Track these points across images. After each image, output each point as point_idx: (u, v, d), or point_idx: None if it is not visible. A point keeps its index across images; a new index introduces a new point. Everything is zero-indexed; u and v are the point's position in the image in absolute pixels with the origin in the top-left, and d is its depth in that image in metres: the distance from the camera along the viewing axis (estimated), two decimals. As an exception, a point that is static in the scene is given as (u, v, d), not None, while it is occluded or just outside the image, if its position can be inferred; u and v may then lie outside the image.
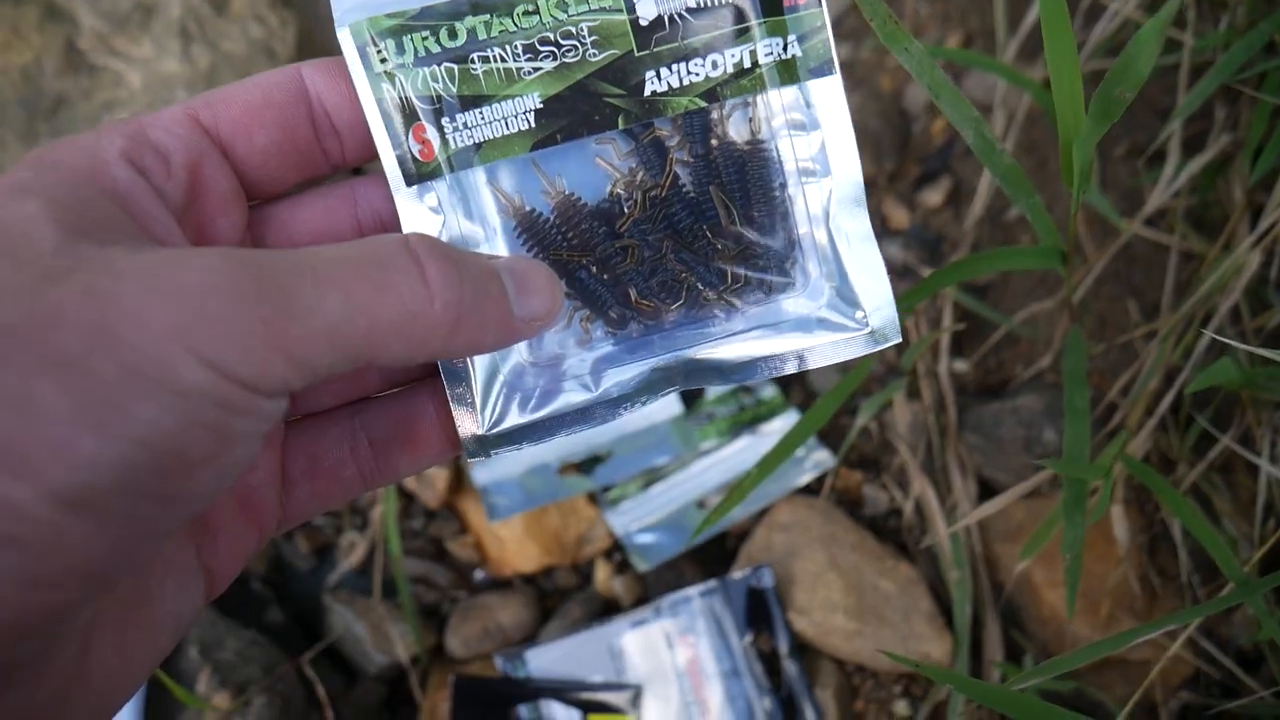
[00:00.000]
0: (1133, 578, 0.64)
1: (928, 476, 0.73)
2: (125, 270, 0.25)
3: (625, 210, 0.35)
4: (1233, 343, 0.49)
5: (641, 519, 0.76)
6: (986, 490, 0.73)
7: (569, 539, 0.76)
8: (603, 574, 0.76)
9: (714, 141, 0.35)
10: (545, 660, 0.69)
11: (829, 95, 0.34)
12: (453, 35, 0.33)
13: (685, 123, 0.35)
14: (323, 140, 0.34)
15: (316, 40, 0.87)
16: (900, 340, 0.36)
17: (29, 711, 0.26)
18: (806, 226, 0.35)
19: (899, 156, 0.87)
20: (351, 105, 0.34)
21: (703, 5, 0.33)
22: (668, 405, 0.79)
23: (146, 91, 0.79)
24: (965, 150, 0.86)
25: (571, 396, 0.35)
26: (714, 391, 0.81)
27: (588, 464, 0.78)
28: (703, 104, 0.34)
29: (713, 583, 0.71)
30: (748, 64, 0.34)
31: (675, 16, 0.33)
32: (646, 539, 0.74)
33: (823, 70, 0.34)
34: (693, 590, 0.71)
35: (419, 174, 0.34)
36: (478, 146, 0.34)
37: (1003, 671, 0.67)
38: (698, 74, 0.34)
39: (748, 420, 0.78)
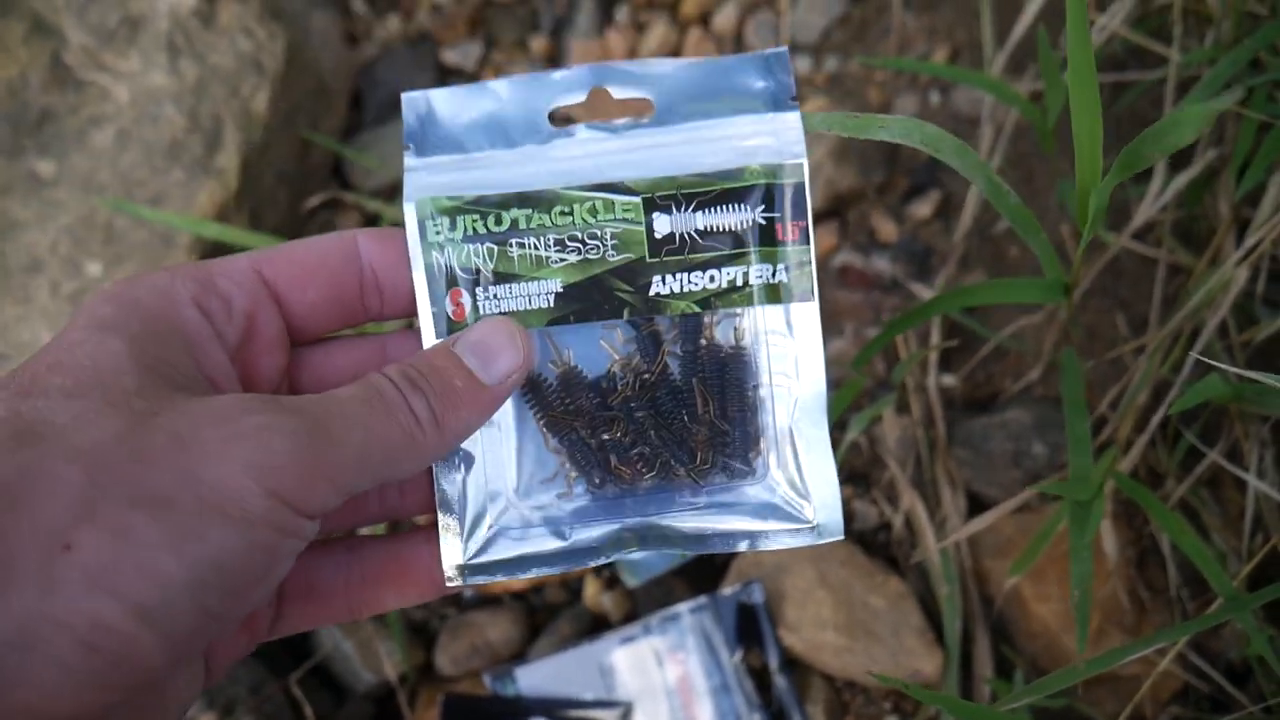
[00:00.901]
0: (1121, 592, 0.64)
1: (917, 491, 0.73)
2: (201, 418, 0.30)
3: (619, 387, 0.41)
4: (1219, 365, 0.49)
5: None
6: (976, 505, 0.73)
7: (558, 554, 0.76)
8: (592, 590, 0.75)
9: (703, 341, 0.41)
10: (534, 678, 0.69)
11: (806, 318, 0.40)
12: (498, 222, 0.40)
13: (680, 322, 0.41)
14: (365, 297, 0.40)
15: (305, 54, 0.87)
16: (842, 538, 0.40)
17: None
18: (772, 426, 0.41)
19: (887, 169, 0.87)
20: (397, 269, 0.39)
21: (709, 229, 0.40)
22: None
23: (133, 106, 0.79)
24: (953, 164, 0.86)
25: (547, 542, 0.40)
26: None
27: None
28: (697, 309, 0.40)
29: (702, 599, 0.71)
30: (740, 282, 0.40)
31: (685, 235, 0.40)
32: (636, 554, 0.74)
33: (804, 297, 0.40)
34: (682, 606, 0.71)
35: (449, 330, 0.40)
36: (502, 315, 0.40)
37: (993, 688, 0.67)
38: (697, 284, 0.40)
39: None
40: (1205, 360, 0.53)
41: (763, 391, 0.41)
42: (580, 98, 0.42)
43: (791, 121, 0.40)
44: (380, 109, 0.97)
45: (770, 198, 0.40)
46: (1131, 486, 0.55)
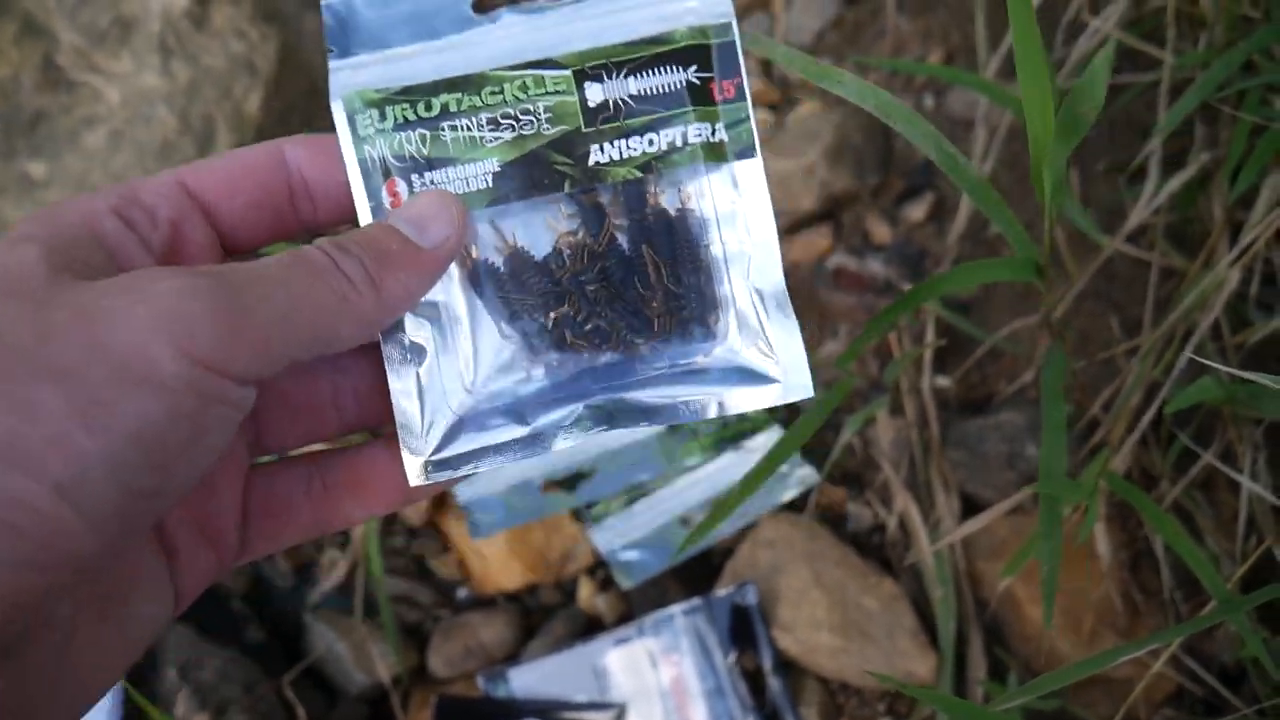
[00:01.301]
0: (1115, 594, 0.64)
1: (911, 493, 0.73)
2: (106, 289, 0.29)
3: (568, 263, 0.40)
4: (1213, 364, 0.49)
5: (625, 535, 0.75)
6: (970, 506, 0.73)
7: (553, 556, 0.76)
8: (586, 591, 0.75)
9: (648, 207, 0.40)
10: (528, 680, 0.69)
11: (751, 174, 0.40)
12: (428, 108, 0.40)
13: (623, 189, 0.40)
14: (297, 204, 0.39)
15: (299, 56, 0.87)
16: (811, 395, 0.39)
17: (20, 693, 0.29)
18: (728, 286, 0.40)
19: (882, 172, 0.87)
20: (327, 172, 0.39)
21: (643, 93, 0.40)
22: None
23: (125, 107, 0.79)
24: (947, 166, 0.86)
25: (510, 430, 0.39)
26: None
27: (571, 481, 0.78)
28: (639, 174, 0.40)
29: (696, 600, 0.71)
30: (680, 143, 0.40)
31: (619, 101, 0.40)
32: (630, 556, 0.74)
33: (745, 153, 0.40)
34: (676, 608, 0.71)
35: None
36: None
37: (986, 689, 0.67)
38: (635, 149, 0.40)
39: (731, 436, 0.78)
40: (1199, 360, 0.53)
41: (715, 251, 0.40)
42: None
43: None
44: (374, 110, 0.97)
45: (701, 58, 0.40)
46: (1125, 488, 0.55)
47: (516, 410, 0.40)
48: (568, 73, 0.40)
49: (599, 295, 0.40)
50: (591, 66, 0.40)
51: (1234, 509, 0.64)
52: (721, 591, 0.71)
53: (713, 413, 0.39)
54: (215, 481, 0.36)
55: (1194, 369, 0.63)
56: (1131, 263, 0.76)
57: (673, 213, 0.40)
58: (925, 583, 0.71)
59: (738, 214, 0.40)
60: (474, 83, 0.40)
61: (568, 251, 0.40)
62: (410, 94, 0.40)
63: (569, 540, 0.76)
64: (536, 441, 0.39)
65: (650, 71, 0.40)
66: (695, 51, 0.40)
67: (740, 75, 0.40)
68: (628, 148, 0.40)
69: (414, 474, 0.38)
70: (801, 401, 0.64)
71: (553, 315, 0.40)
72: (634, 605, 0.74)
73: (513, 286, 0.40)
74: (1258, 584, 0.60)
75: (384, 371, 0.38)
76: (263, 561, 0.79)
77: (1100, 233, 0.70)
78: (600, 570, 0.77)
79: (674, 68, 0.40)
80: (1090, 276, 0.73)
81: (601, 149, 0.40)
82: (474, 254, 0.40)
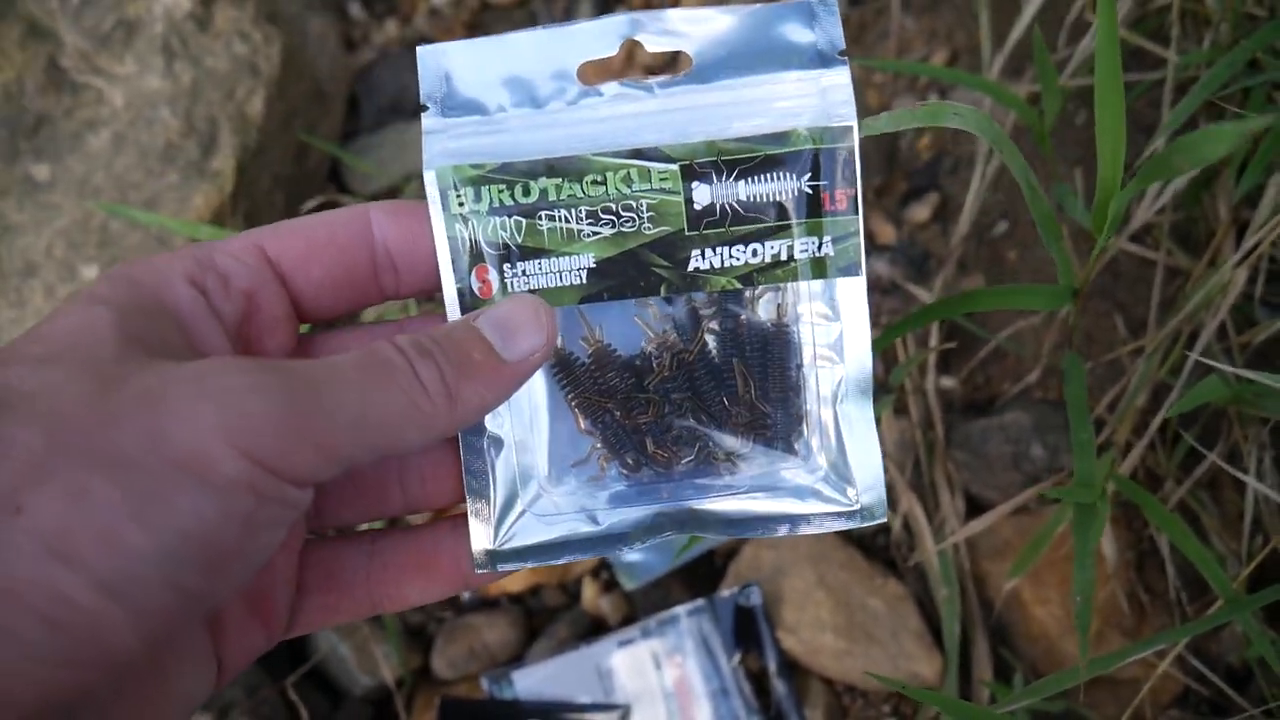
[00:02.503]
0: (1121, 594, 0.64)
1: (915, 494, 0.73)
2: (174, 377, 0.28)
3: (655, 367, 0.39)
4: (1218, 365, 0.49)
5: None
6: (974, 507, 0.73)
7: (556, 558, 0.76)
8: (590, 593, 0.75)
9: (743, 318, 0.39)
10: (532, 681, 0.69)
11: (853, 293, 0.38)
12: (526, 192, 0.37)
13: (720, 298, 0.38)
14: (380, 274, 0.37)
15: (302, 57, 0.87)
16: (885, 520, 0.39)
17: None
18: (815, 406, 0.39)
19: (886, 172, 0.87)
20: (414, 243, 0.37)
21: (752, 200, 0.37)
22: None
23: (128, 109, 0.79)
24: (951, 167, 0.86)
25: (579, 526, 0.38)
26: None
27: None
28: (739, 285, 0.38)
29: (700, 601, 0.70)
30: (784, 256, 0.37)
31: (726, 206, 0.37)
32: (634, 557, 0.74)
33: (850, 270, 0.37)
34: (680, 609, 0.70)
35: (474, 307, 0.37)
36: (531, 292, 0.37)
37: (992, 691, 0.67)
38: (738, 259, 0.37)
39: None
40: (1205, 361, 0.53)
41: (805, 370, 0.38)
42: (612, 51, 0.39)
43: (840, 79, 0.37)
44: (378, 113, 0.97)
45: (817, 164, 0.37)
46: (1132, 489, 0.55)
47: (589, 509, 0.39)
48: (675, 168, 0.37)
49: (684, 404, 0.39)
50: (701, 164, 0.37)
51: (1239, 508, 0.63)
52: (725, 592, 0.71)
53: (782, 533, 0.38)
54: (270, 557, 0.35)
55: (1199, 369, 0.62)
56: (1136, 262, 0.75)
57: (768, 326, 0.38)
58: (930, 584, 0.70)
59: (834, 334, 0.38)
60: (576, 168, 0.37)
61: (656, 355, 0.39)
62: (508, 174, 0.37)
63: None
64: (608, 543, 0.38)
65: (761, 176, 0.37)
66: (810, 156, 0.37)
67: (855, 186, 0.37)
68: (730, 256, 0.37)
69: (480, 562, 0.38)
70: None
71: (636, 419, 0.39)
72: (637, 607, 0.74)
73: (596, 384, 0.39)
74: (1264, 583, 0.60)
75: (453, 453, 0.38)
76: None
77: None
78: (604, 572, 0.76)
79: (787, 174, 0.37)
80: (1094, 276, 0.72)
81: (703, 255, 0.37)
82: (558, 345, 0.38)
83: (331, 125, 0.93)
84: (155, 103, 0.79)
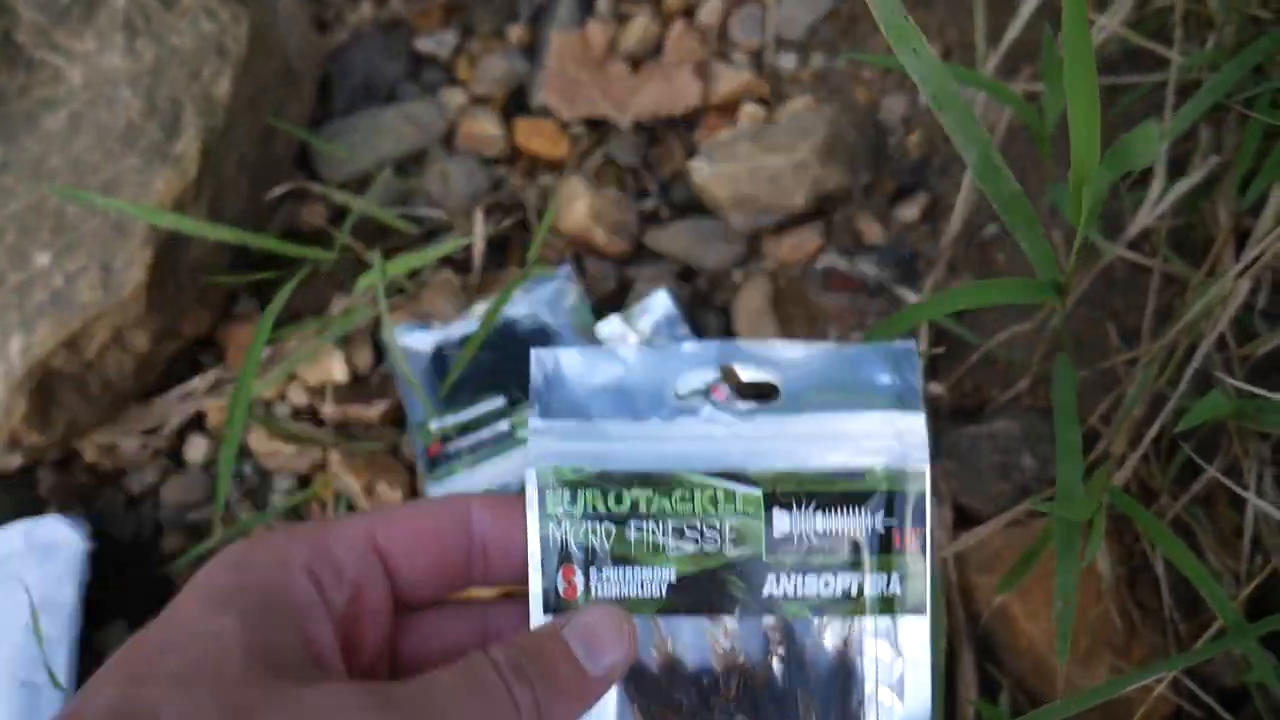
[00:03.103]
0: (1114, 611, 0.62)
1: (902, 503, 0.70)
2: (298, 713, 0.30)
3: (721, 689, 0.39)
4: (1222, 377, 0.47)
5: None
6: (963, 517, 0.71)
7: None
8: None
9: (809, 648, 0.40)
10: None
11: (917, 632, 0.39)
12: (619, 501, 0.39)
13: (790, 625, 0.39)
14: (472, 562, 0.39)
15: (271, 37, 0.83)
16: None
17: None
18: None
19: (874, 170, 0.84)
20: (508, 535, 0.39)
21: (828, 533, 0.39)
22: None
23: (87, 88, 0.75)
24: (942, 166, 0.84)
25: None
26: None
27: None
28: (809, 614, 0.39)
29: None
30: (854, 591, 0.39)
31: (804, 535, 0.39)
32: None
33: (916, 609, 0.39)
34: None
35: (557, 608, 0.39)
36: (614, 599, 0.39)
37: (977, 709, 0.65)
38: (811, 590, 0.39)
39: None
40: (1209, 373, 0.51)
41: (865, 705, 0.39)
42: (708, 375, 0.42)
43: (916, 425, 0.39)
44: (350, 96, 0.93)
45: (891, 504, 0.39)
46: (1127, 503, 0.53)
47: None
48: (758, 493, 0.39)
49: None
50: (783, 491, 0.39)
51: (1235, 524, 0.62)
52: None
53: None
54: None
55: (1197, 381, 0.61)
56: (1131, 269, 0.74)
57: (833, 657, 0.39)
58: (916, 596, 0.68)
59: (897, 671, 0.39)
60: (667, 483, 0.39)
61: (724, 676, 0.40)
62: (606, 481, 0.39)
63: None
64: None
65: (839, 510, 0.39)
66: (885, 497, 0.39)
67: (925, 527, 0.39)
68: (803, 585, 0.39)
69: None
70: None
71: None
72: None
73: (663, 697, 0.39)
74: (1261, 603, 0.59)
75: None
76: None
77: (1100, 238, 0.68)
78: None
79: (862, 510, 0.39)
80: (1088, 283, 0.71)
81: (778, 581, 0.39)
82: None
83: (301, 108, 0.89)
84: (116, 82, 0.75)
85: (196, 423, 0.81)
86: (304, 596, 0.35)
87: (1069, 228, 0.72)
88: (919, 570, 0.39)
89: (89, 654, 0.67)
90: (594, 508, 0.39)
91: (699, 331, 0.82)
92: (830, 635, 0.39)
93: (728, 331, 0.82)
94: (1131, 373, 0.64)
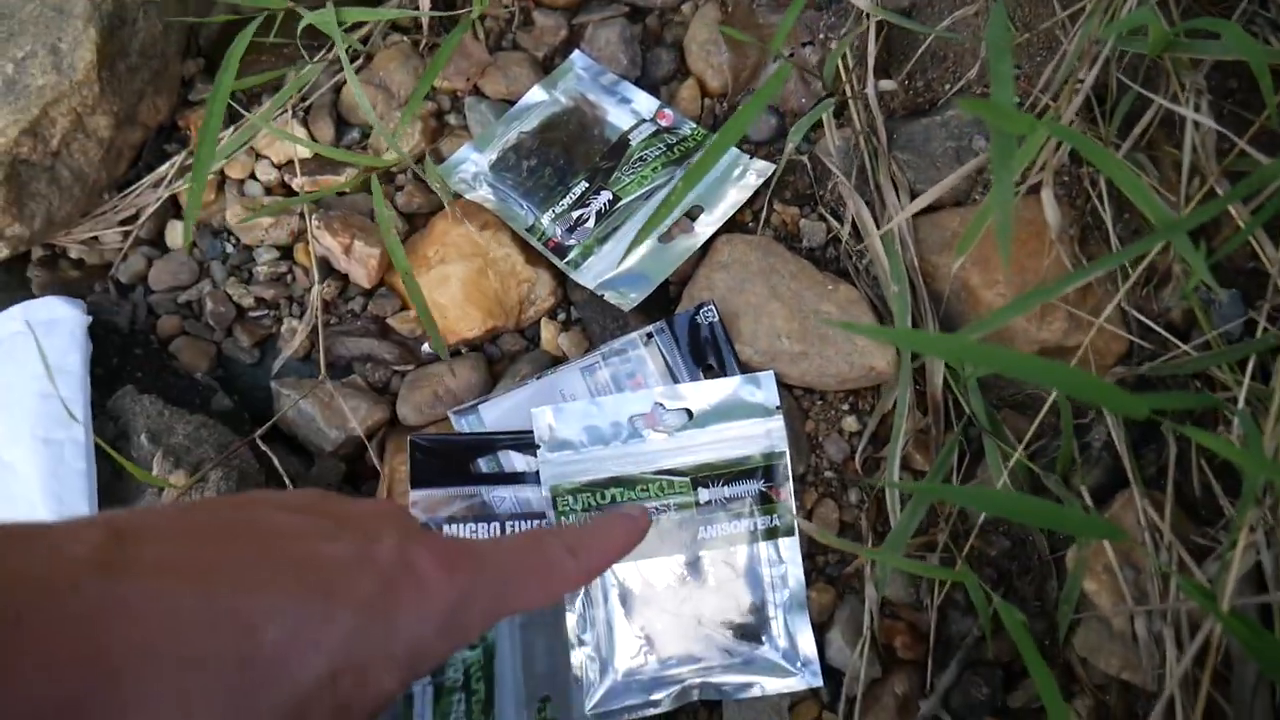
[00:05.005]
0: (1065, 258, 0.65)
1: (862, 198, 0.73)
2: None
3: (684, 608, 0.69)
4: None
5: (605, 274, 0.74)
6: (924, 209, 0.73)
7: (510, 302, 0.76)
8: (548, 334, 0.76)
9: (732, 566, 0.66)
10: (498, 412, 0.70)
11: (790, 548, 0.66)
12: (603, 497, 0.65)
13: (718, 552, 0.65)
14: None
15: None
16: (820, 683, 0.64)
17: None
18: (772, 610, 0.65)
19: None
20: None
21: (732, 496, 0.66)
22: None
23: None
24: None
25: (634, 697, 0.63)
26: (640, 147, 0.79)
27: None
28: (727, 546, 0.65)
29: (658, 323, 0.71)
30: (752, 529, 0.66)
31: (718, 499, 0.65)
32: (621, 284, 0.74)
33: (788, 533, 0.66)
34: (638, 333, 0.71)
35: None
36: None
37: (946, 373, 0.68)
38: (726, 530, 0.65)
39: (677, 159, 0.77)
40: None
41: (766, 590, 0.65)
42: (647, 409, 0.67)
43: (776, 424, 0.66)
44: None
45: (767, 473, 0.66)
46: (1071, 135, 0.55)
47: (642, 685, 0.63)
48: (688, 479, 0.65)
49: (701, 624, 0.64)
50: (701, 476, 0.65)
51: (1175, 160, 0.64)
52: (682, 312, 0.71)
53: (756, 693, 0.63)
54: None
55: (1136, 28, 0.62)
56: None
57: (744, 567, 0.65)
58: (881, 284, 0.71)
59: (780, 572, 0.65)
60: (631, 481, 0.65)
61: (684, 599, 0.64)
62: (591, 486, 0.65)
63: (526, 285, 0.76)
64: (650, 705, 0.63)
65: (737, 481, 0.66)
66: (764, 469, 0.66)
67: (788, 484, 0.66)
68: (721, 530, 0.65)
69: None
70: (741, 103, 0.61)
71: (671, 639, 0.64)
72: (596, 340, 0.74)
73: (641, 605, 0.64)
74: (1201, 232, 0.61)
75: None
76: (224, 338, 0.78)
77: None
78: (561, 311, 0.77)
79: (751, 480, 0.66)
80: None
81: (705, 529, 0.65)
82: (623, 581, 0.64)
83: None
84: None
85: (174, 210, 0.82)
86: None
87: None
88: (788, 510, 0.65)
89: (103, 417, 0.71)
90: (587, 505, 0.64)
91: (650, 68, 0.83)
92: (740, 556, 0.65)
93: (680, 66, 0.82)
94: (1072, 30, 0.65)
